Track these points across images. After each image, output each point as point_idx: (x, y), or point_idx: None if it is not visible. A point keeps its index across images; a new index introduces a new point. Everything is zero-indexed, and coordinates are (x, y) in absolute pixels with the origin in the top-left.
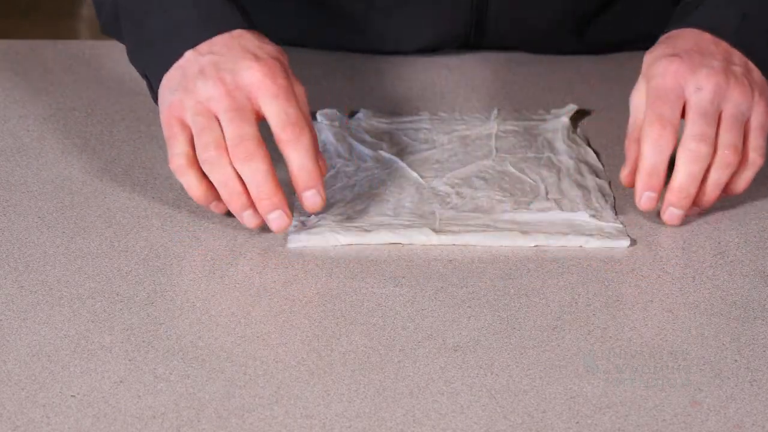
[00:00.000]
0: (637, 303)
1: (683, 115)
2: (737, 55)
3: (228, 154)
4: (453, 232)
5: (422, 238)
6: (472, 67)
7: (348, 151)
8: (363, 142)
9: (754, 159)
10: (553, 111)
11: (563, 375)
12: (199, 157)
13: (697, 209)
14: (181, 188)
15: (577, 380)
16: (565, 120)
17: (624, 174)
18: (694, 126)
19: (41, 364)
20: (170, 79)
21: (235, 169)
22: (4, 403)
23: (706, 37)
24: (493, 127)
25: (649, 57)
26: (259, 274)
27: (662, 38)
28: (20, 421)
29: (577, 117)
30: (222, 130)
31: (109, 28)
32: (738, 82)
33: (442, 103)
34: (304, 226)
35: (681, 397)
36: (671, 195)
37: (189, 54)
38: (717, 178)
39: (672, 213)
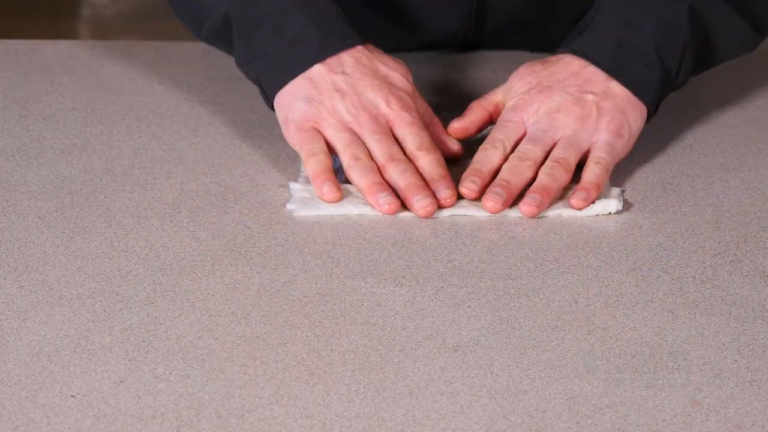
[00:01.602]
0: (637, 303)
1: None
2: (597, 84)
3: (376, 165)
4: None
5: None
6: (472, 66)
7: None
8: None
9: (593, 167)
10: None
11: (563, 375)
12: (346, 164)
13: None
14: (181, 188)
15: (577, 380)
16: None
17: (455, 125)
18: (520, 147)
19: (41, 364)
20: (299, 88)
21: (380, 173)
22: (4, 403)
23: (575, 64)
24: (490, 128)
25: (519, 71)
26: (258, 274)
27: (546, 59)
28: (20, 421)
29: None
30: (367, 148)
31: (212, 38)
32: (581, 113)
33: (442, 103)
34: (312, 198)
35: (681, 397)
36: (492, 183)
37: (318, 67)
38: (547, 173)
39: (493, 192)
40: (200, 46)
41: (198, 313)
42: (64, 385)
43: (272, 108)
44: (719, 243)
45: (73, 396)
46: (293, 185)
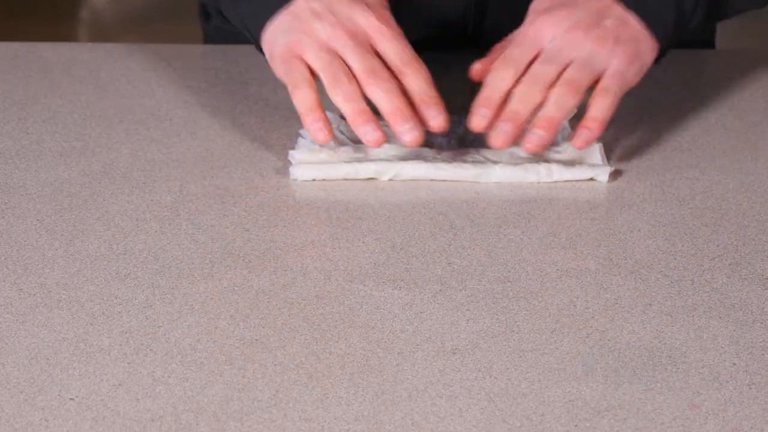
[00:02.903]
0: (635, 306)
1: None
2: (616, 12)
3: (357, 83)
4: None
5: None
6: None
7: None
8: (360, 143)
9: (602, 99)
10: None
11: (562, 378)
12: (327, 85)
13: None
14: (180, 191)
15: (575, 383)
16: (564, 123)
17: (477, 66)
18: (533, 68)
19: (40, 367)
20: (281, 23)
21: (362, 93)
22: (2, 406)
23: None
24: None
25: (532, 4)
26: (257, 277)
27: None
28: (19, 424)
29: (576, 120)
30: (347, 66)
31: None
32: (599, 35)
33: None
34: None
35: (679, 400)
36: (501, 115)
37: (298, 0)
38: (554, 101)
39: (500, 129)
40: (199, 49)
41: (197, 316)
42: (63, 388)
43: (261, 51)
44: (718, 246)
45: (72, 399)
46: (296, 152)
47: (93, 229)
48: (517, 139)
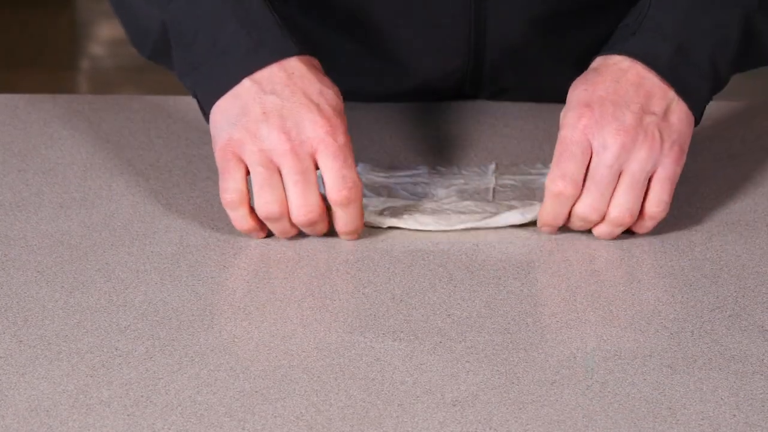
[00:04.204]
0: (635, 358)
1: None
2: (657, 99)
3: (288, 214)
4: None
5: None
6: (470, 118)
7: None
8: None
9: (654, 213)
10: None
11: (562, 430)
12: (258, 210)
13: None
14: (180, 243)
15: None
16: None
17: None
18: (587, 196)
19: (39, 419)
20: (228, 109)
21: (291, 224)
22: None
23: (633, 72)
24: (491, 181)
25: (570, 93)
26: (257, 329)
27: (592, 66)
28: None
29: None
30: (282, 185)
31: (157, 55)
32: (647, 138)
33: (440, 156)
34: None
35: None
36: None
37: (248, 84)
38: (609, 232)
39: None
40: None
41: (197, 368)
42: None
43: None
44: (717, 297)
45: None
46: None
47: (93, 281)
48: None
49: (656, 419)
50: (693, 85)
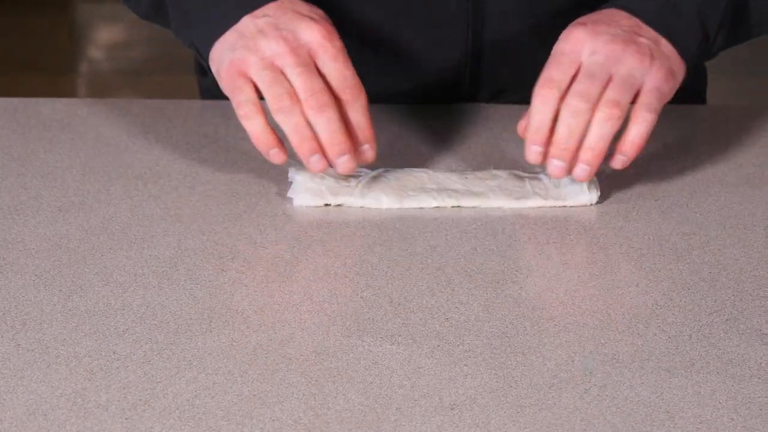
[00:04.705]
0: (633, 361)
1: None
2: (648, 32)
3: (300, 104)
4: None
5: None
6: (468, 121)
7: None
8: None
9: (644, 115)
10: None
11: None
12: (271, 107)
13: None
14: (178, 246)
15: None
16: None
17: (521, 125)
18: (577, 85)
19: (37, 423)
20: (227, 40)
21: (305, 118)
22: None
23: (625, 15)
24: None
25: (571, 25)
26: (255, 333)
27: (588, 14)
28: None
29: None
30: (290, 84)
31: (152, 14)
32: (637, 50)
33: (437, 159)
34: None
35: None
36: (552, 148)
37: (245, 18)
38: (598, 131)
39: (554, 165)
40: (197, 104)
41: (195, 372)
42: None
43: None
44: (715, 301)
45: None
46: (296, 176)
47: (91, 285)
48: (572, 167)
49: (654, 423)
50: (681, 34)
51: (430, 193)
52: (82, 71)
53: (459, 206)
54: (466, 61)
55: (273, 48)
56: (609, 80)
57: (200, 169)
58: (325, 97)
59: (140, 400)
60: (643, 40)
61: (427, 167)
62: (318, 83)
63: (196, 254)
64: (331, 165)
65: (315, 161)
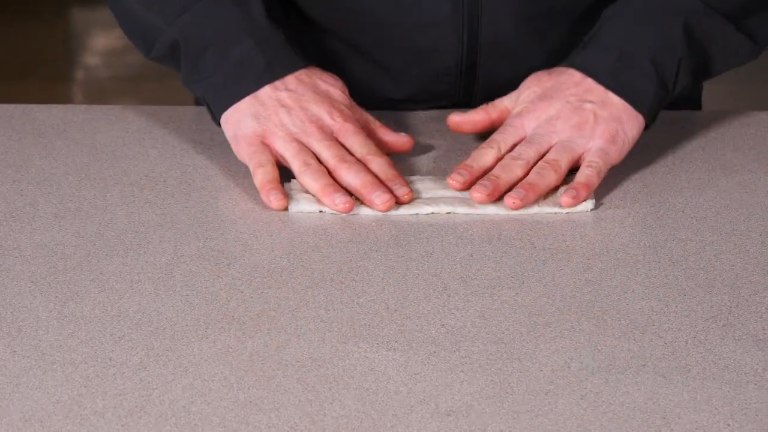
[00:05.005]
0: (629, 367)
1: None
2: (596, 94)
3: (327, 170)
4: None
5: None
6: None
7: None
8: None
9: (588, 168)
10: None
11: None
12: (298, 171)
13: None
14: (174, 253)
15: None
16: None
17: (453, 118)
18: (516, 148)
19: (33, 429)
20: (246, 107)
21: (333, 179)
22: None
23: (578, 76)
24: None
25: (527, 81)
26: (251, 339)
27: (553, 69)
28: None
29: (569, 180)
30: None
31: (160, 59)
32: (578, 122)
33: (433, 165)
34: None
35: None
36: (483, 178)
37: (266, 87)
38: (533, 176)
39: (475, 187)
40: (193, 111)
41: (191, 378)
42: None
43: (218, 124)
44: (711, 307)
45: None
46: (292, 183)
47: (87, 291)
48: (494, 199)
49: (650, 428)
50: (635, 85)
51: (425, 199)
52: (78, 78)
53: (454, 212)
54: (461, 64)
55: (298, 125)
56: (549, 148)
57: (196, 175)
58: (352, 158)
59: (136, 406)
60: (588, 106)
61: (422, 173)
62: (344, 150)
63: (192, 260)
64: (369, 206)
65: (339, 198)
